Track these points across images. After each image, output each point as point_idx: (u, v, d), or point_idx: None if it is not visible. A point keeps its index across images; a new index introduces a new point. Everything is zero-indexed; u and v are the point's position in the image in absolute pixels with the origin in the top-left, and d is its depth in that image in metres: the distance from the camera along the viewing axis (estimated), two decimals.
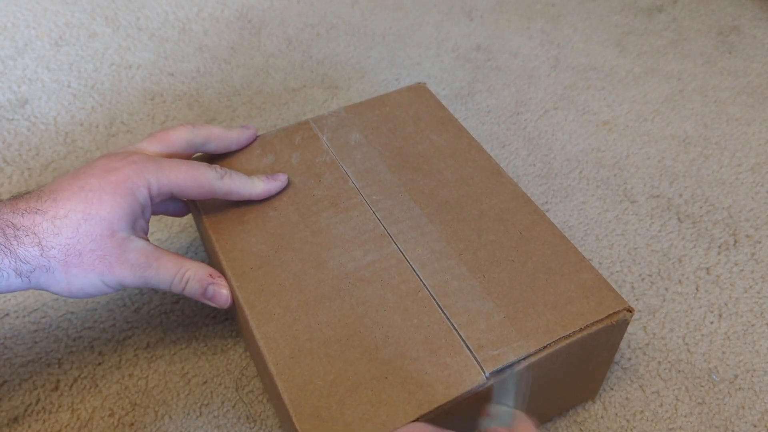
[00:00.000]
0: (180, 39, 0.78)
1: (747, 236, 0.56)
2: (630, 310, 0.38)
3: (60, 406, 0.46)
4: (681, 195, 0.60)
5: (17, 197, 0.36)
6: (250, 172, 0.45)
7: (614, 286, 0.53)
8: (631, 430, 0.45)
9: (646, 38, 0.78)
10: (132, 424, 0.45)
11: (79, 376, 0.48)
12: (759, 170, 0.62)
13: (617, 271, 0.54)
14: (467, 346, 0.36)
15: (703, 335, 0.50)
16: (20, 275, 0.35)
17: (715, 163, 0.63)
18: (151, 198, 0.38)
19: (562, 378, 0.40)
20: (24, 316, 0.51)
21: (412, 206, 0.44)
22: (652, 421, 0.45)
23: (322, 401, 0.34)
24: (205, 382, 0.47)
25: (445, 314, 0.38)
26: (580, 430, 0.45)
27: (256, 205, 0.44)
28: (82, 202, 0.35)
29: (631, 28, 0.79)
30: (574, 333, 0.37)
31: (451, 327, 0.37)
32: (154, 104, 0.69)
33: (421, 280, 0.40)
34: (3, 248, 0.33)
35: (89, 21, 0.80)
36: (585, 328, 0.37)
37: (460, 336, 0.37)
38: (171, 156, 0.42)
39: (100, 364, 0.49)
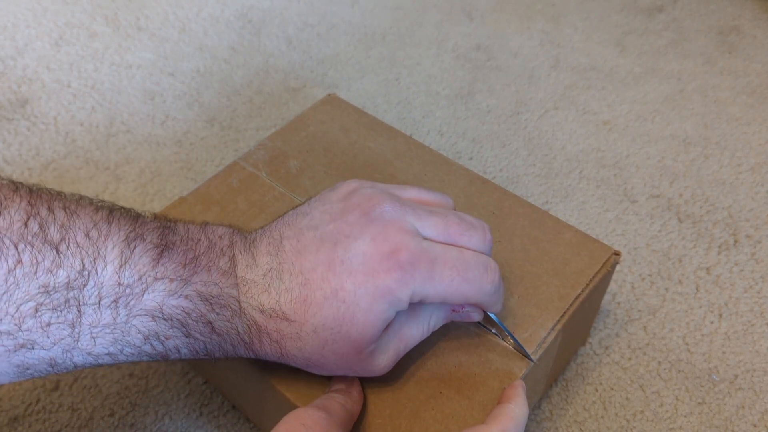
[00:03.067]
0: (180, 39, 0.78)
1: (747, 236, 0.56)
2: (617, 253, 0.41)
3: (60, 406, 0.46)
4: (681, 195, 0.60)
5: (265, 272, 0.30)
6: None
7: (614, 286, 0.53)
8: (631, 430, 0.45)
9: (646, 38, 0.78)
10: (132, 425, 0.45)
11: (79, 376, 0.48)
12: (759, 170, 0.62)
13: (617, 271, 0.54)
14: (500, 337, 0.37)
15: (703, 335, 0.50)
16: (257, 359, 0.33)
17: (715, 163, 0.63)
18: (411, 303, 0.32)
19: (574, 332, 0.42)
20: None
21: None
22: (652, 421, 0.45)
23: None
24: (205, 382, 0.47)
25: None
26: (580, 430, 0.45)
27: None
28: (333, 318, 0.30)
29: (631, 28, 0.79)
30: (583, 290, 0.39)
31: (478, 324, 0.38)
32: (154, 104, 0.69)
33: None
34: (247, 347, 0.31)
35: (89, 21, 0.80)
36: (590, 282, 0.39)
37: (489, 329, 0.37)
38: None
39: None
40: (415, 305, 0.33)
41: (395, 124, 0.67)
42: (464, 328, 0.37)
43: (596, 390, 0.47)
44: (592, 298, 0.41)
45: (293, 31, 0.79)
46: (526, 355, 0.36)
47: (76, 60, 0.75)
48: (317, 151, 0.48)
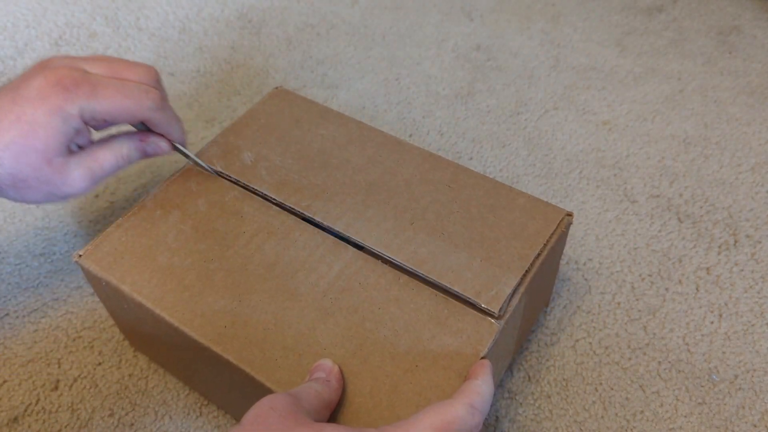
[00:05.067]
0: (180, 39, 0.78)
1: (747, 236, 0.56)
2: (570, 214, 0.43)
3: (60, 406, 0.46)
4: (681, 195, 0.60)
5: None
6: (159, 236, 0.42)
7: (614, 286, 0.53)
8: (631, 430, 0.45)
9: (646, 38, 0.78)
10: (132, 424, 0.45)
11: (79, 376, 0.48)
12: (759, 170, 0.62)
13: (617, 271, 0.54)
14: (467, 300, 0.38)
15: (703, 335, 0.50)
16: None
17: (715, 163, 0.63)
18: (87, 122, 0.40)
19: (536, 293, 0.44)
20: (24, 316, 0.51)
21: (343, 199, 0.44)
22: (652, 421, 0.45)
23: (374, 413, 0.34)
24: None
25: (432, 282, 0.39)
26: (580, 430, 0.45)
27: (191, 264, 0.41)
28: (20, 135, 0.38)
29: (631, 28, 0.79)
30: (542, 250, 0.41)
31: (445, 293, 0.39)
32: None
33: (393, 263, 0.40)
34: None
35: (89, 21, 0.80)
36: (547, 242, 0.42)
37: (456, 293, 0.39)
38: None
39: (100, 364, 0.49)
40: (111, 140, 0.43)
41: (395, 124, 0.67)
42: (431, 300, 0.39)
43: (596, 390, 0.47)
44: (550, 259, 0.43)
45: (293, 31, 0.79)
46: (205, 168, 0.45)
47: None
48: (270, 142, 0.48)
